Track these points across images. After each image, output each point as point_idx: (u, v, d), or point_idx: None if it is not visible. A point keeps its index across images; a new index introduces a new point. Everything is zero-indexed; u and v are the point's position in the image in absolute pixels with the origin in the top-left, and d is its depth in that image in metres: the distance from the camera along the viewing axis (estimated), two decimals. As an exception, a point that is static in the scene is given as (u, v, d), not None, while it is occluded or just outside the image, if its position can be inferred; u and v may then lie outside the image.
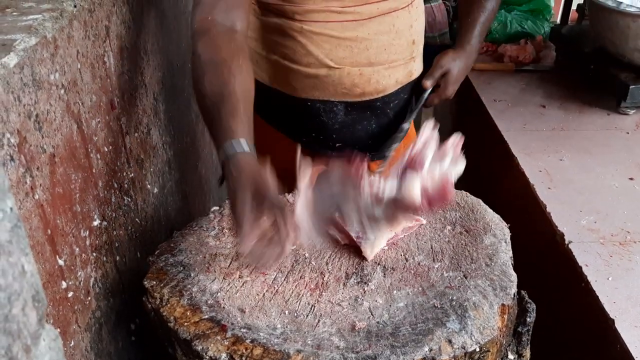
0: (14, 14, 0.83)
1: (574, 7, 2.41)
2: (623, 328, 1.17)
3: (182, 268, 1.00)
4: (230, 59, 1.03)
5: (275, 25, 1.23)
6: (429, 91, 1.38)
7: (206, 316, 0.89)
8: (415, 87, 1.39)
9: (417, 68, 1.39)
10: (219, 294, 0.95)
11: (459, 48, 1.40)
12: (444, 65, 1.37)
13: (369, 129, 1.36)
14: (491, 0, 1.41)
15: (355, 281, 0.99)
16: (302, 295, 0.96)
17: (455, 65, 1.38)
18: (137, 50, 1.19)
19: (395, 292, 0.96)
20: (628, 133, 1.89)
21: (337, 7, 1.19)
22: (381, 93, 1.32)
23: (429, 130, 0.94)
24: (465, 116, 2.38)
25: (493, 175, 1.94)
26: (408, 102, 1.40)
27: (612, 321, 1.19)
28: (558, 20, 2.47)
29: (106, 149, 1.02)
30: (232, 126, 0.94)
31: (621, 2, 1.92)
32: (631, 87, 1.92)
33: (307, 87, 1.27)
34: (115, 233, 1.07)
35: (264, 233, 0.85)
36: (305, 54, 1.23)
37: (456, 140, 0.95)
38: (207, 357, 0.83)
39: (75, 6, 0.89)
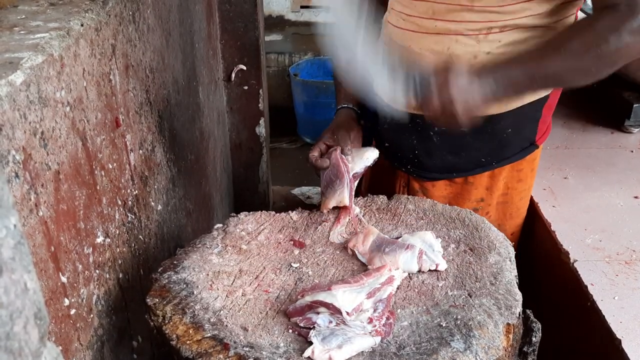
0: (22, 32, 0.84)
1: (576, 26, 2.42)
2: (630, 348, 1.15)
3: (185, 285, 0.99)
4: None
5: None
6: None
7: (209, 334, 0.88)
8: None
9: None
10: (221, 312, 0.94)
11: (480, 67, 1.08)
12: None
13: (409, 143, 1.35)
14: (583, 47, 1.09)
15: (359, 299, 0.98)
16: (306, 314, 0.95)
17: (452, 72, 1.03)
18: (143, 68, 1.20)
19: (399, 310, 0.95)
20: (632, 151, 1.89)
21: (405, 15, 1.24)
22: (416, 110, 1.23)
23: None
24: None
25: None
26: (465, 138, 1.26)
27: (619, 341, 1.17)
28: (561, 39, 2.48)
29: (110, 166, 1.02)
30: (349, 92, 1.34)
31: (623, 22, 1.93)
32: (635, 105, 1.92)
33: None
34: (118, 250, 1.06)
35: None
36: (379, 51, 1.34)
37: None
38: (209, 376, 0.83)
39: (82, 25, 0.90)
